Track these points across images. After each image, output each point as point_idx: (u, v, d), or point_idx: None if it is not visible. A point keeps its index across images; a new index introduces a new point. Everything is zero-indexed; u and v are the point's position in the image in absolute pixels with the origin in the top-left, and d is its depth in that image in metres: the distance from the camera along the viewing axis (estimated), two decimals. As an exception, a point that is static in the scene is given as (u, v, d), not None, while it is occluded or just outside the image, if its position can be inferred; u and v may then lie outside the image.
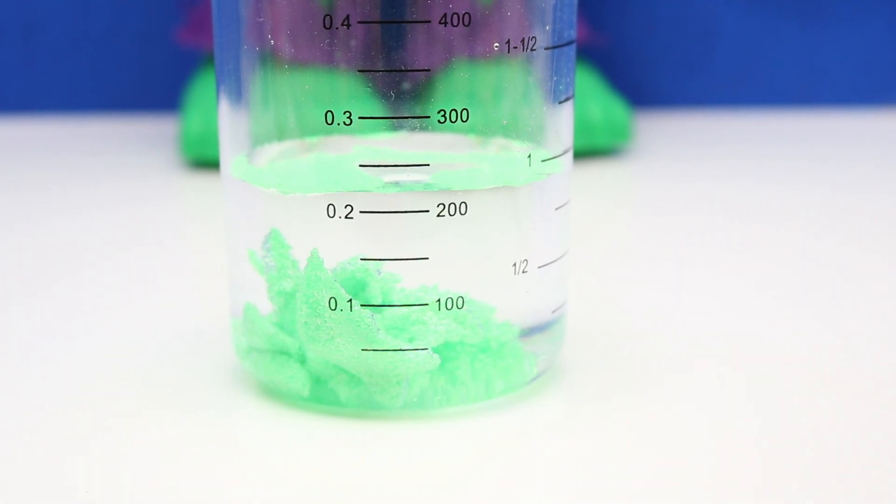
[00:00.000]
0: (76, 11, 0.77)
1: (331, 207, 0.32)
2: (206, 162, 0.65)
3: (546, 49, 0.33)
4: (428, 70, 0.32)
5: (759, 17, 0.79)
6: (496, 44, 0.32)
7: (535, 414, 0.34)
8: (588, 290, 0.44)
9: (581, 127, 0.65)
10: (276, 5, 0.33)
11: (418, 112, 0.33)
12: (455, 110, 0.32)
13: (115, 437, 0.33)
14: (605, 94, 0.69)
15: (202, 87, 0.69)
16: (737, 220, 0.57)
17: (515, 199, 0.34)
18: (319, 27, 0.32)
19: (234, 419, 0.35)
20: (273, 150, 0.34)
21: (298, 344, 0.34)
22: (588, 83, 0.70)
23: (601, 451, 0.32)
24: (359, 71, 0.32)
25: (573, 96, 0.35)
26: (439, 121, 0.32)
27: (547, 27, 0.33)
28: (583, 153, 0.66)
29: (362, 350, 0.33)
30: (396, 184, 0.33)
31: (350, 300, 0.32)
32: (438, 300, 0.33)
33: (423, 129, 0.33)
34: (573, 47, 0.35)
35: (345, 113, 0.32)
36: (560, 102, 0.34)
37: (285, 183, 0.33)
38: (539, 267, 0.34)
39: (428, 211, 0.33)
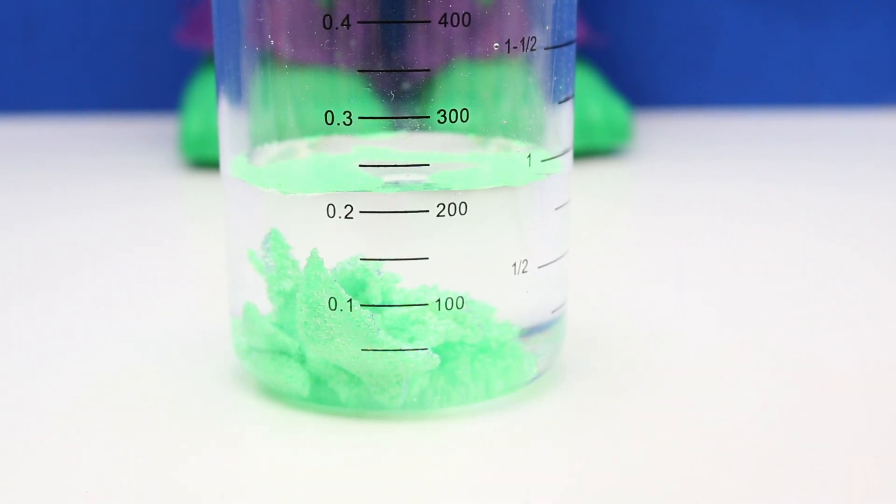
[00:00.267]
0: (76, 11, 0.77)
1: (331, 207, 0.32)
2: (206, 162, 0.65)
3: (546, 49, 0.33)
4: (428, 70, 0.32)
5: (759, 17, 0.79)
6: (496, 44, 0.32)
7: (534, 414, 0.34)
8: (588, 290, 0.44)
9: (581, 127, 0.65)
10: (276, 5, 0.33)
11: (418, 112, 0.33)
12: (455, 110, 0.32)
13: (114, 437, 0.33)
14: (604, 94, 0.69)
15: (202, 87, 0.69)
16: (737, 220, 0.57)
17: (515, 199, 0.34)
18: (319, 27, 0.32)
19: (234, 419, 0.35)
20: (273, 150, 0.34)
21: (298, 344, 0.34)
22: (588, 83, 0.70)
23: (601, 451, 0.32)
24: (359, 71, 0.32)
25: (573, 96, 0.35)
26: (439, 121, 0.32)
27: (547, 27, 0.33)
28: (583, 153, 0.66)
29: (362, 350, 0.33)
30: (396, 184, 0.33)
31: (350, 300, 0.32)
32: (438, 300, 0.33)
33: (422, 129, 0.33)
34: (573, 47, 0.35)
35: (345, 113, 0.32)
36: (560, 102, 0.34)
37: (285, 183, 0.33)
38: (539, 267, 0.34)
39: (428, 211, 0.33)
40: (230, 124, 0.35)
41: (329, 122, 0.32)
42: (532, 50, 0.33)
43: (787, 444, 0.33)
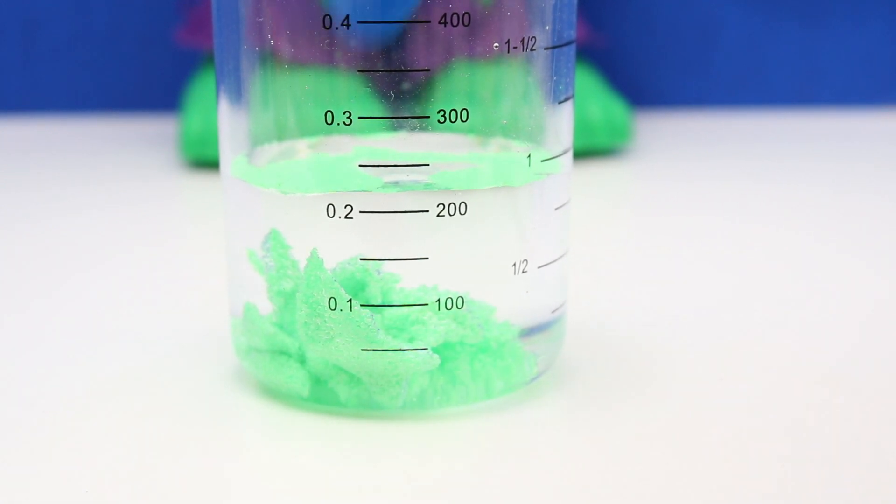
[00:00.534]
0: (76, 11, 0.77)
1: (330, 207, 0.32)
2: (206, 162, 0.65)
3: (546, 49, 0.33)
4: (428, 70, 0.32)
5: (759, 17, 0.79)
6: (496, 44, 0.32)
7: (534, 414, 0.34)
8: (588, 290, 0.44)
9: (581, 127, 0.65)
10: (276, 5, 0.33)
11: (418, 112, 0.33)
12: (455, 110, 0.32)
13: (114, 437, 0.33)
14: (604, 94, 0.69)
15: (202, 87, 0.69)
16: (736, 220, 0.57)
17: (515, 199, 0.34)
18: (319, 27, 0.32)
19: (234, 419, 0.35)
20: (273, 150, 0.34)
21: (298, 344, 0.34)
22: (588, 83, 0.70)
23: (601, 451, 0.32)
24: (358, 71, 0.32)
25: (573, 96, 0.35)
26: (439, 121, 0.32)
27: (547, 27, 0.33)
28: (583, 153, 0.66)
29: (362, 350, 0.33)
30: (396, 184, 0.33)
31: (350, 300, 0.32)
32: (438, 300, 0.33)
33: (422, 129, 0.33)
34: (573, 47, 0.35)
35: (344, 113, 0.32)
36: (560, 102, 0.34)
37: (285, 183, 0.33)
38: (539, 267, 0.34)
39: (428, 211, 0.33)
40: (230, 124, 0.35)
41: (329, 122, 0.32)
42: (532, 50, 0.33)
43: (787, 444, 0.33)
